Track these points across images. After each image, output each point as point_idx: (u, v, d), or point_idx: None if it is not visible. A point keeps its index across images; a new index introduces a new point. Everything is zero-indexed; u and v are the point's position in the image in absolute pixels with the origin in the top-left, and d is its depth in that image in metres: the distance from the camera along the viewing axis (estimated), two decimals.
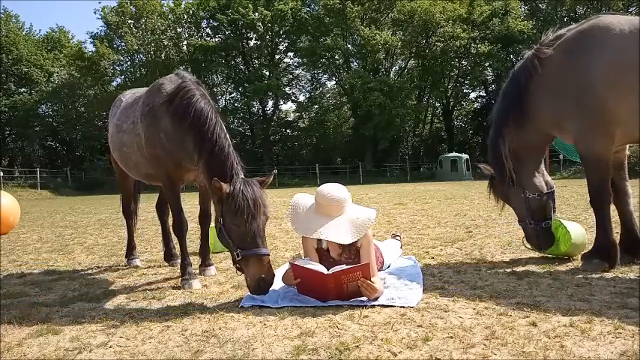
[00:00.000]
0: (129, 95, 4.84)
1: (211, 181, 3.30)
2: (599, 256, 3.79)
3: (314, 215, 3.41)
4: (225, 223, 3.26)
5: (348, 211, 3.43)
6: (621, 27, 3.63)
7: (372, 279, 3.12)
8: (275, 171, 3.66)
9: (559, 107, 3.82)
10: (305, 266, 3.18)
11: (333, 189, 3.45)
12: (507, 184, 4.14)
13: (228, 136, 3.64)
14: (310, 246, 3.50)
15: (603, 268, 3.73)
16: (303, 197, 3.61)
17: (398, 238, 4.97)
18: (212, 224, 4.90)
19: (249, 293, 3.39)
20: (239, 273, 3.34)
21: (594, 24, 3.78)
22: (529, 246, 4.45)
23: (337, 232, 3.31)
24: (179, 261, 4.13)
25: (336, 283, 3.08)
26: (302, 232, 3.45)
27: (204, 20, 42.07)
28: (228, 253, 5.43)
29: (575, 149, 3.95)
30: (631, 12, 34.41)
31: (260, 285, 3.15)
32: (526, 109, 3.98)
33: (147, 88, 4.56)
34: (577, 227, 4.30)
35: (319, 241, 3.49)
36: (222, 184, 3.23)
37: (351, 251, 3.44)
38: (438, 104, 45.58)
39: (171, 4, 41.42)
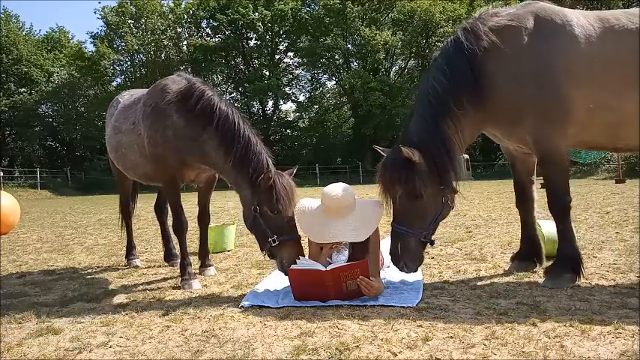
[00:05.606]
0: (127, 96, 4.83)
1: (238, 178, 3.56)
2: (569, 269, 3.39)
3: (325, 219, 3.42)
4: (262, 212, 3.45)
5: (357, 208, 3.45)
6: (578, 18, 3.34)
7: (371, 277, 3.12)
8: (297, 166, 3.91)
9: (517, 97, 3.29)
10: (302, 268, 3.18)
11: (339, 191, 3.44)
12: (444, 181, 3.25)
13: (254, 131, 3.77)
14: (317, 247, 3.52)
15: (574, 281, 3.38)
16: (308, 201, 3.62)
17: None
18: (212, 224, 4.92)
19: (249, 293, 3.41)
20: (267, 258, 3.64)
21: (553, 11, 3.38)
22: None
23: (353, 232, 3.35)
24: (179, 261, 4.13)
25: (334, 280, 3.07)
26: (316, 239, 3.47)
27: (204, 20, 41.99)
28: (228, 253, 5.50)
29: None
30: None
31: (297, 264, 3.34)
32: (486, 93, 3.29)
33: (144, 89, 4.55)
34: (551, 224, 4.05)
35: None
36: (272, 174, 3.46)
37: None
38: None
39: (171, 4, 41.38)
